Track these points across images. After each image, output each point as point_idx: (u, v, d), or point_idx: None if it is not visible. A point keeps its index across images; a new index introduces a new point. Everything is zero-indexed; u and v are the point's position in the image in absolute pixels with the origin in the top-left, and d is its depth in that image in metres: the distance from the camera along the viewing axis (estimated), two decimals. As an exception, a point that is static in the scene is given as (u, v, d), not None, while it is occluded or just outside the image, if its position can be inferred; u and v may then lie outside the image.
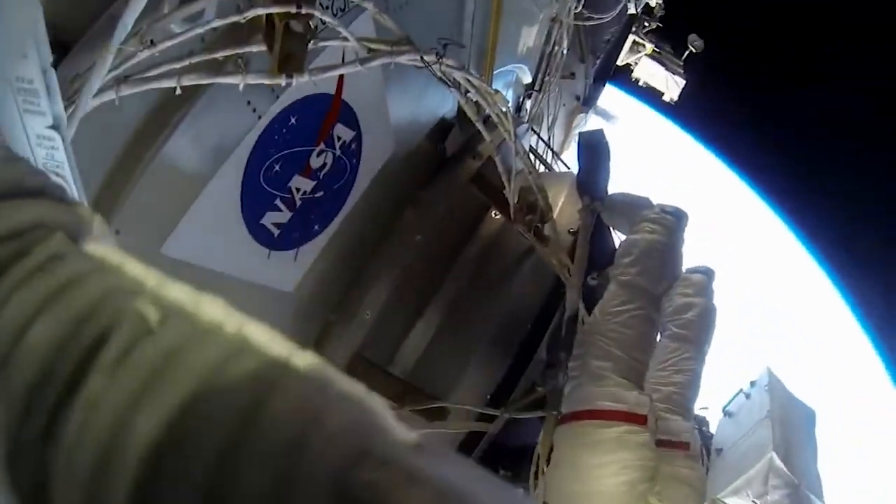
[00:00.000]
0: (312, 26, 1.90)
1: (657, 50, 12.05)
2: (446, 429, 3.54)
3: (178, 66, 1.76)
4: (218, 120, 2.16)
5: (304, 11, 1.77)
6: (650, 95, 13.01)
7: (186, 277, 1.55)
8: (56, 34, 1.56)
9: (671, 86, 12.35)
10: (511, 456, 3.77)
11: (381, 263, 3.61)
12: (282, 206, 2.64)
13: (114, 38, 1.50)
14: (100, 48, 1.54)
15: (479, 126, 3.21)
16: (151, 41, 1.69)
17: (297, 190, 2.67)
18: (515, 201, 3.56)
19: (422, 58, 2.43)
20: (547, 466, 3.19)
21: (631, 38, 11.59)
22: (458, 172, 3.81)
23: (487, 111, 3.12)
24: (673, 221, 3.56)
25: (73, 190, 1.20)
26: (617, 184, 4.11)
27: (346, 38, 2.09)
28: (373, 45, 2.23)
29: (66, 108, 1.46)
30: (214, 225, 2.36)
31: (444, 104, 3.74)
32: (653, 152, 23.78)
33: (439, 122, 3.78)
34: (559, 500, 2.93)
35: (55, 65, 1.43)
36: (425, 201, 3.74)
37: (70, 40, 1.68)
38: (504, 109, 3.13)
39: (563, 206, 4.19)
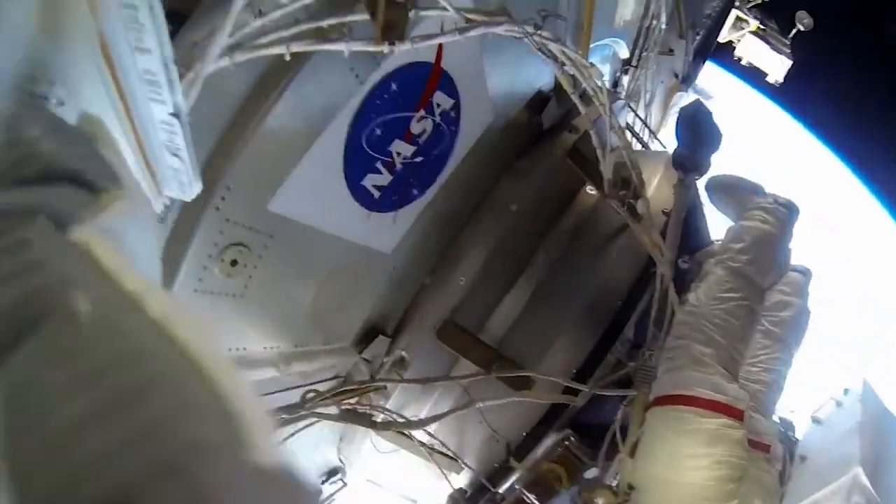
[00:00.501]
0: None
1: (762, 27, 11.44)
2: (530, 398, 3.59)
3: (286, 33, 1.90)
4: (322, 85, 2.30)
5: None
6: (753, 75, 12.38)
7: (291, 234, 1.71)
8: (171, 4, 1.76)
9: (776, 66, 11.69)
10: (589, 431, 3.77)
11: (476, 231, 3.72)
12: (382, 169, 2.77)
13: (231, 9, 1.64)
14: (215, 18, 1.69)
15: (575, 99, 3.21)
16: (260, 10, 1.83)
17: (398, 154, 2.79)
18: (609, 177, 3.54)
19: (520, 28, 2.47)
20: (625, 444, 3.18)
21: (734, 13, 11.06)
22: (555, 145, 3.83)
23: (584, 85, 3.13)
24: (786, 214, 3.42)
25: (189, 169, 1.33)
26: (716, 167, 3.99)
27: (444, 8, 2.17)
28: (471, 16, 2.29)
29: (184, 74, 1.62)
30: (318, 185, 2.52)
31: (541, 76, 3.74)
32: (753, 135, 22.53)
33: (536, 93, 3.77)
34: (646, 482, 2.90)
35: (173, 34, 1.62)
36: (521, 171, 3.82)
37: (185, 10, 1.86)
38: (600, 83, 3.11)
39: (658, 186, 4.10)
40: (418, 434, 3.82)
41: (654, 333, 3.61)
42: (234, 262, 2.38)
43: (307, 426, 3.43)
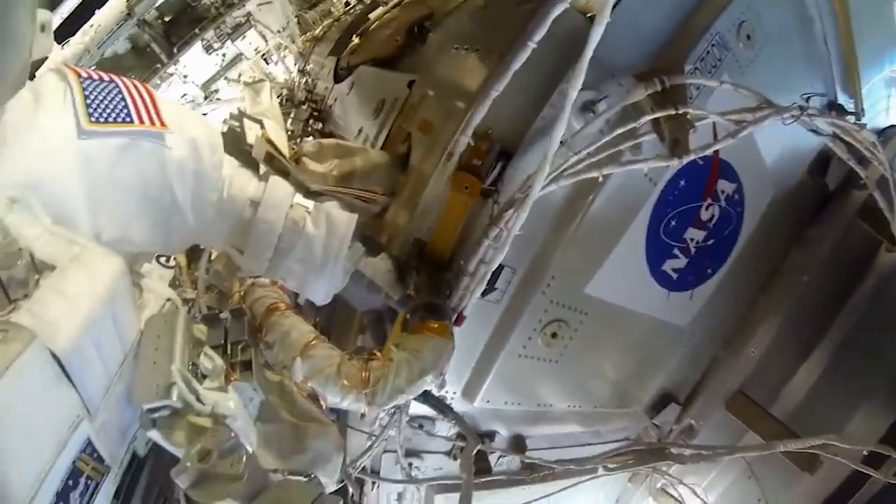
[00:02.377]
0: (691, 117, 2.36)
1: None
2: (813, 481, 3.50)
3: (595, 159, 2.38)
4: (624, 191, 2.76)
5: (680, 111, 2.25)
6: None
7: (602, 312, 2.13)
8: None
9: None
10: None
11: (768, 303, 3.82)
12: (679, 254, 3.14)
13: (549, 150, 2.13)
14: (537, 156, 2.23)
15: (853, 164, 3.17)
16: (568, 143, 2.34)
17: (692, 240, 3.14)
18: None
19: (785, 116, 2.57)
20: None
21: None
22: (844, 206, 3.78)
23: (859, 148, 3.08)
24: None
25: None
26: None
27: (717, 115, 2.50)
28: (737, 118, 2.53)
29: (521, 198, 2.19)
30: (626, 271, 2.99)
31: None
32: None
33: (818, 154, 3.75)
34: None
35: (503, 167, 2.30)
36: (812, 239, 3.83)
37: (510, 147, 2.49)
38: (872, 140, 3.04)
39: None
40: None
41: None
42: (553, 335, 2.93)
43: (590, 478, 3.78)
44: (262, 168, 2.52)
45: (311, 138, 4.77)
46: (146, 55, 8.39)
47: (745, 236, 3.42)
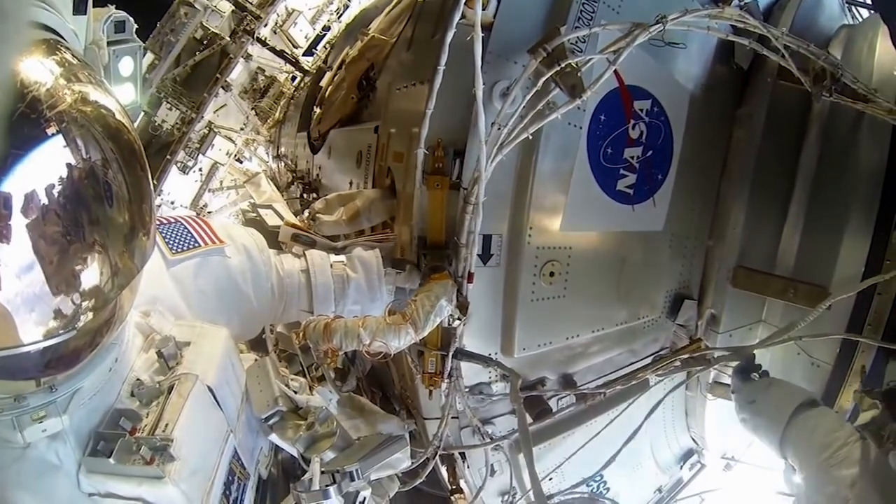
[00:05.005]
0: (576, 64, 2.95)
1: None
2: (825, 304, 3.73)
3: (521, 125, 3.01)
4: (557, 142, 3.39)
5: (564, 64, 2.88)
6: None
7: (583, 242, 3.54)
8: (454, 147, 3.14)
9: None
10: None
11: (731, 183, 4.32)
12: (626, 173, 3.70)
13: (483, 136, 2.87)
14: (480, 142, 2.90)
15: (752, 44, 3.53)
16: (499, 125, 2.98)
17: (632, 157, 3.70)
18: (808, 77, 3.66)
19: (652, 30, 3.02)
20: None
21: None
22: (763, 77, 4.23)
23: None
24: None
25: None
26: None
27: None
28: (613, 48, 3.06)
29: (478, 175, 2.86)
30: (585, 203, 3.58)
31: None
32: None
33: (719, 43, 4.10)
34: None
35: (461, 161, 3.02)
36: (746, 115, 4.31)
37: (460, 145, 3.19)
38: (738, 14, 3.42)
39: (884, 51, 4.01)
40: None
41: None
42: (551, 274, 3.53)
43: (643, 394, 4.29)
44: (295, 247, 3.53)
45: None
46: (130, 197, 8.97)
47: (679, 137, 3.95)
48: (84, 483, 1.90)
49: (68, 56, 1.73)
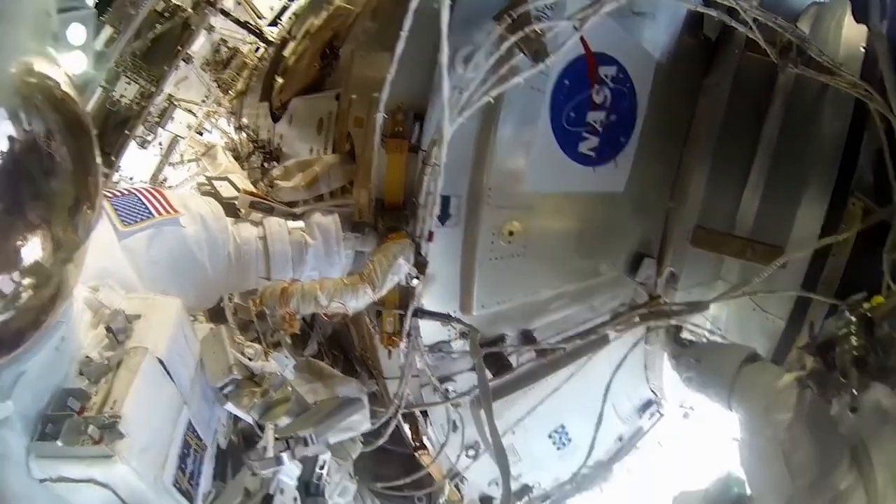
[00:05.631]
0: (540, 30, 2.94)
1: None
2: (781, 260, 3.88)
3: (483, 88, 3.01)
4: (520, 106, 3.38)
5: (528, 30, 2.88)
6: None
7: (544, 201, 3.65)
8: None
9: None
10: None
11: (694, 147, 4.35)
12: (588, 135, 3.72)
13: (446, 100, 2.86)
14: (439, 106, 2.91)
15: (721, 15, 3.54)
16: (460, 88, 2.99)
17: (595, 121, 3.72)
18: (775, 49, 3.69)
19: None
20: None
21: None
22: (730, 48, 4.22)
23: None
24: None
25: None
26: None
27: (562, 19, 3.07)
28: (580, 15, 3.08)
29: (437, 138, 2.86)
30: (547, 165, 3.61)
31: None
32: None
33: (689, 14, 4.09)
34: None
35: (421, 125, 2.98)
36: (712, 85, 4.31)
37: (421, 109, 3.18)
38: None
39: (849, 25, 4.03)
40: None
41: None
42: (510, 233, 3.58)
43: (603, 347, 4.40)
44: (252, 214, 3.45)
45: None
46: (88, 174, 8.63)
47: (644, 103, 3.96)
48: (35, 469, 1.86)
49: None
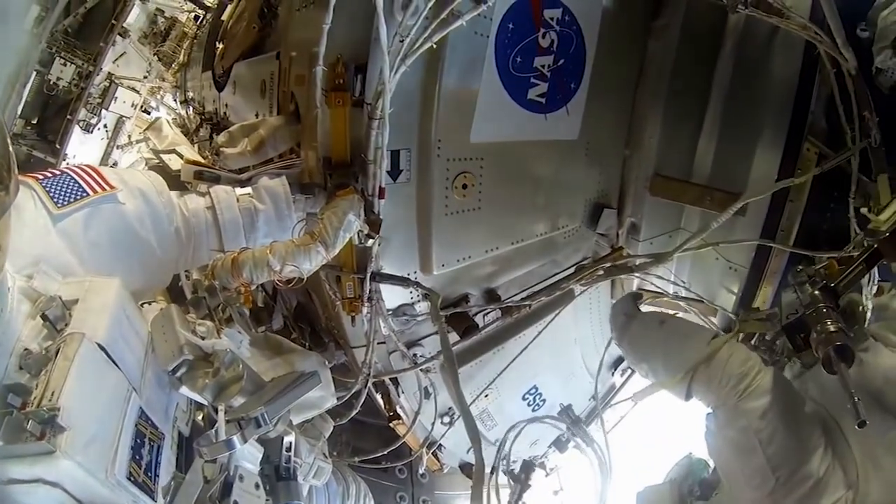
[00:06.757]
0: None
1: None
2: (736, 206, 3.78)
3: (424, 35, 2.90)
4: (464, 52, 3.27)
5: None
6: None
7: (495, 152, 3.40)
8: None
9: None
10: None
11: (646, 93, 4.30)
12: (537, 81, 3.61)
13: (386, 48, 2.73)
14: (379, 55, 2.78)
15: None
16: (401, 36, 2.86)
17: (542, 66, 3.61)
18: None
19: None
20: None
21: None
22: None
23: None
24: None
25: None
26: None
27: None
28: None
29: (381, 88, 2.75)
30: (496, 113, 3.50)
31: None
32: None
33: None
34: None
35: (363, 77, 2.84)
36: (661, 27, 4.26)
37: (362, 60, 3.04)
38: None
39: None
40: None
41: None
42: (464, 186, 3.48)
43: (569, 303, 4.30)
44: (199, 185, 3.26)
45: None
46: (32, 165, 8.23)
47: (592, 47, 3.87)
48: None
49: None
